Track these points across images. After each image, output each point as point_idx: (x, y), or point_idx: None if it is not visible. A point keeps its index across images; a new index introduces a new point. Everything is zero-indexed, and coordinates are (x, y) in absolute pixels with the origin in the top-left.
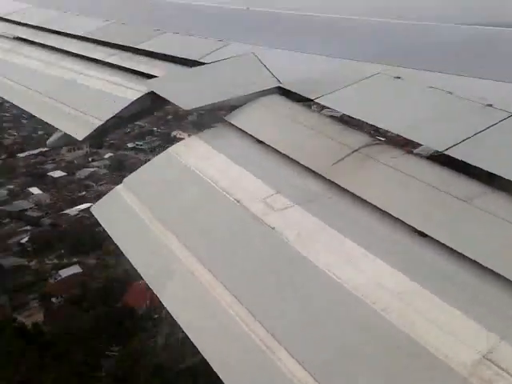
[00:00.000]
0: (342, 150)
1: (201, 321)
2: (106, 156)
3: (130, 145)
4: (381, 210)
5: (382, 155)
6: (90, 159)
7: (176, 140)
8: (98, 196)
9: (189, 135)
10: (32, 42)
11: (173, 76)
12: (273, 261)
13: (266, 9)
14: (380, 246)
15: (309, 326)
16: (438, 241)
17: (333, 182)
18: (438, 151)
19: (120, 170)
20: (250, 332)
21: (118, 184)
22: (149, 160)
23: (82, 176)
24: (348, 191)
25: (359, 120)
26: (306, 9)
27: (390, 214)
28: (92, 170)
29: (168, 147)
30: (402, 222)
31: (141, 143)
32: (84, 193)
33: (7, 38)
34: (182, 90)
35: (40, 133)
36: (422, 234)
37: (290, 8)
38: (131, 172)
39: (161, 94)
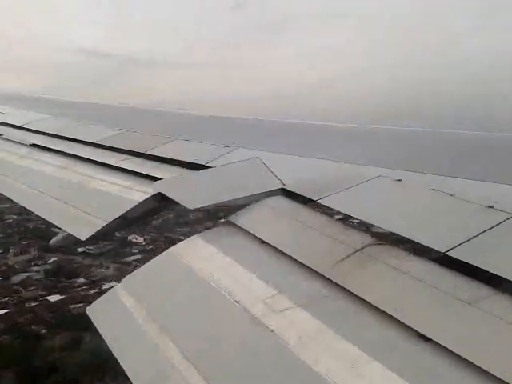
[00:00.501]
0: (345, 250)
1: None
2: (50, 260)
3: (80, 249)
4: (384, 312)
5: (385, 256)
6: (32, 263)
7: (130, 244)
8: (20, 303)
9: (144, 239)
10: (46, 149)
11: (179, 178)
12: (272, 365)
13: (273, 118)
14: (383, 351)
15: None
16: (441, 345)
17: (335, 283)
18: (440, 252)
19: (56, 276)
20: None
21: (47, 291)
22: (95, 266)
23: (14, 281)
24: (350, 292)
25: (361, 221)
26: (310, 117)
27: (393, 317)
28: (27, 275)
29: (120, 252)
30: (405, 325)
31: (91, 248)
32: (7, 298)
33: (24, 145)
34: (187, 191)
35: None
36: (426, 338)
37: (294, 116)
38: (61, 278)
39: (166, 194)
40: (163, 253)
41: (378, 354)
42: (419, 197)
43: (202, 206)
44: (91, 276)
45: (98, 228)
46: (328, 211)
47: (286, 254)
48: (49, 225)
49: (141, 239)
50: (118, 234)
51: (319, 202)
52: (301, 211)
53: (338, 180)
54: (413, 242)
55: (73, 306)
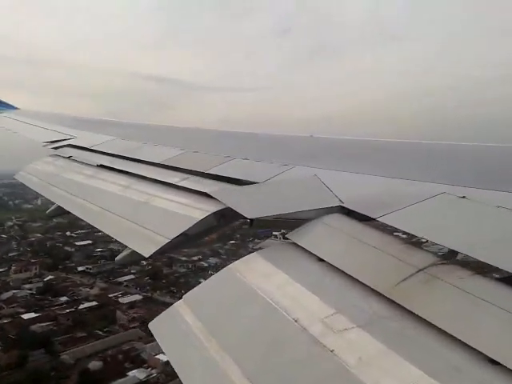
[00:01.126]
0: (407, 270)
1: None
2: (47, 278)
3: (80, 268)
4: (448, 334)
5: (449, 275)
6: (29, 281)
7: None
8: None
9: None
10: (112, 169)
11: (238, 189)
12: None
13: (328, 135)
14: (447, 374)
15: None
16: (510, 369)
17: (396, 303)
18: (508, 272)
19: (43, 294)
20: None
21: (26, 308)
22: (85, 285)
23: (1, 298)
24: (413, 313)
25: (424, 240)
26: (366, 134)
27: (458, 339)
28: (16, 291)
29: (117, 272)
30: (472, 348)
31: (90, 267)
32: None
33: (90, 165)
34: (246, 202)
35: None
36: (494, 362)
37: (351, 134)
38: (47, 296)
39: (226, 203)
40: (223, 269)
41: (442, 377)
42: (485, 214)
43: (262, 216)
44: (75, 295)
45: (161, 245)
46: (389, 229)
47: (345, 273)
48: (65, 243)
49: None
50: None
51: (379, 219)
52: (360, 229)
53: (399, 197)
54: (479, 261)
55: (41, 324)
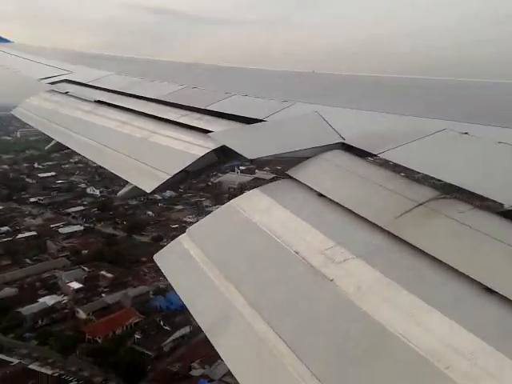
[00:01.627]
0: (407, 204)
1: (255, 373)
2: None
3: (33, 199)
4: (446, 264)
5: (449, 209)
6: None
7: (85, 196)
8: None
9: (100, 191)
10: (110, 105)
11: (237, 130)
12: (331, 312)
13: (331, 71)
14: (444, 302)
15: (367, 382)
16: (506, 297)
17: (396, 236)
18: (507, 206)
19: None
20: None
21: None
22: (31, 215)
23: None
24: (412, 245)
25: (425, 175)
26: (368, 70)
27: (456, 269)
28: None
29: (70, 202)
30: (468, 277)
31: (42, 198)
32: None
33: (88, 101)
34: (247, 142)
35: None
36: (490, 291)
37: (352, 69)
38: None
39: (225, 144)
40: (224, 205)
41: (439, 305)
42: (487, 150)
43: (262, 156)
44: (18, 225)
45: (162, 181)
46: (389, 165)
47: (345, 208)
48: (29, 175)
49: (97, 191)
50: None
51: (380, 155)
52: (361, 165)
53: (400, 133)
54: (479, 196)
55: None
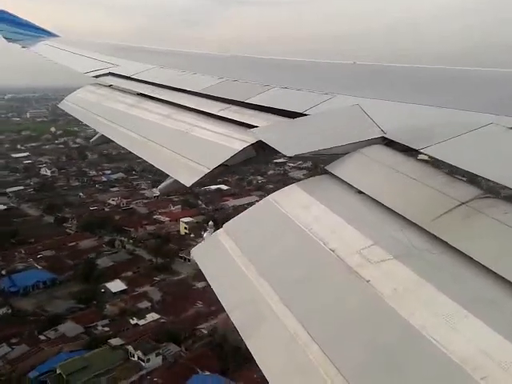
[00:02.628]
0: (448, 203)
1: (286, 372)
2: None
3: None
4: (488, 268)
5: (493, 210)
6: None
7: (38, 176)
8: None
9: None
10: (152, 98)
11: (277, 125)
12: (365, 315)
13: (372, 62)
14: (484, 308)
15: None
16: None
17: (436, 236)
18: None
19: None
20: None
21: None
22: None
23: None
24: (452, 247)
25: (469, 172)
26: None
27: (498, 274)
28: None
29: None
30: (510, 283)
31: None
32: None
33: (131, 94)
34: (285, 138)
35: None
36: None
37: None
38: None
39: (264, 141)
40: (261, 200)
41: (476, 310)
42: None
43: (300, 153)
44: None
45: (202, 175)
46: (432, 162)
47: (384, 206)
48: None
49: (49, 172)
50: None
51: (422, 151)
52: (402, 161)
53: (444, 128)
54: None
55: None
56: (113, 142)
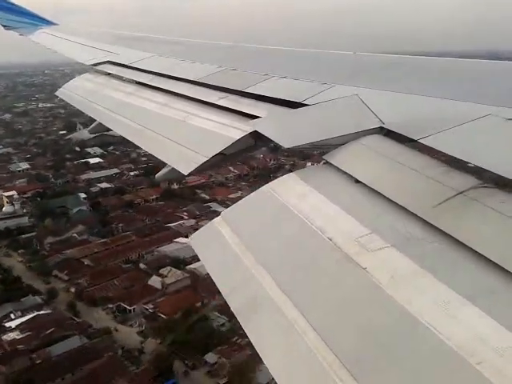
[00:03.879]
0: (446, 192)
1: (283, 357)
2: None
3: None
4: (484, 257)
5: (490, 199)
6: None
7: None
8: None
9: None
10: (151, 86)
11: (274, 116)
12: (362, 302)
13: (373, 52)
14: (480, 296)
15: (398, 375)
16: None
17: (433, 225)
18: None
19: None
20: (334, 376)
21: None
22: None
23: None
24: (449, 235)
25: (466, 162)
26: (414, 52)
27: (494, 262)
28: None
29: None
30: (507, 271)
31: None
32: None
33: (130, 82)
34: (283, 130)
35: None
36: None
37: (396, 51)
38: None
39: (262, 133)
40: (259, 189)
41: (474, 298)
42: None
43: (298, 145)
44: None
45: (199, 163)
46: (430, 152)
47: (382, 195)
48: None
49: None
50: None
51: (421, 141)
52: (400, 151)
53: (443, 119)
54: None
55: None
56: (110, 130)
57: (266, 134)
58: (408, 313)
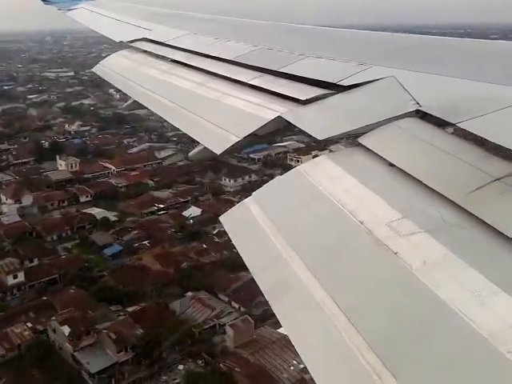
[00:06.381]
0: (482, 178)
1: (311, 339)
2: None
3: None
4: None
5: None
6: None
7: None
8: None
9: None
10: (186, 65)
11: (307, 107)
12: (392, 287)
13: (410, 33)
14: None
15: (427, 361)
16: None
17: (468, 211)
18: None
19: None
20: (362, 359)
21: None
22: None
23: None
24: (484, 222)
25: (505, 148)
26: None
27: None
28: None
29: None
30: None
31: None
32: None
33: (165, 60)
34: (316, 120)
35: None
36: None
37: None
38: None
39: (295, 124)
40: (291, 170)
41: (507, 286)
42: None
43: (331, 135)
44: None
45: (232, 143)
46: (467, 136)
47: (416, 179)
48: None
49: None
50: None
51: (458, 125)
52: (436, 134)
53: (482, 102)
54: None
55: None
56: (146, 108)
57: (299, 126)
58: (439, 299)
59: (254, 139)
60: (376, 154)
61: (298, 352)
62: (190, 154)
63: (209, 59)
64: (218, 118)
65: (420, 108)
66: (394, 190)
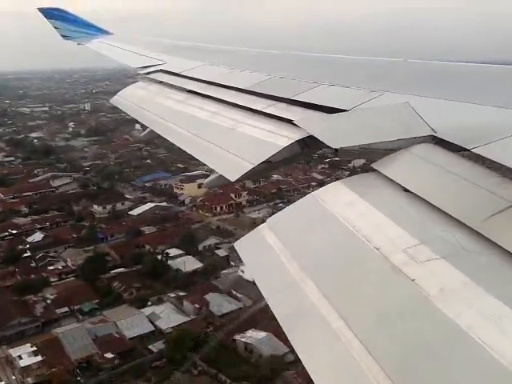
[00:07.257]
0: (499, 204)
1: (328, 369)
2: None
3: None
4: None
5: None
6: None
7: None
8: None
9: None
10: (201, 95)
11: (323, 117)
12: (409, 314)
13: (423, 60)
14: None
15: None
16: None
17: (485, 237)
18: None
19: None
20: None
21: None
22: None
23: None
24: (502, 248)
25: None
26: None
27: None
28: None
29: None
30: None
31: None
32: None
33: (181, 90)
34: (331, 130)
35: None
36: None
37: (448, 59)
38: None
39: (310, 132)
40: (306, 196)
41: None
42: None
43: (347, 145)
44: None
45: (246, 170)
46: (483, 161)
47: (432, 205)
48: None
49: None
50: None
51: (473, 151)
52: (451, 159)
53: (496, 127)
54: None
55: None
56: (162, 137)
57: (313, 133)
58: (458, 326)
59: (268, 166)
60: (390, 179)
61: (315, 381)
62: (206, 181)
63: (224, 89)
64: (232, 145)
65: (435, 134)
66: (410, 216)
